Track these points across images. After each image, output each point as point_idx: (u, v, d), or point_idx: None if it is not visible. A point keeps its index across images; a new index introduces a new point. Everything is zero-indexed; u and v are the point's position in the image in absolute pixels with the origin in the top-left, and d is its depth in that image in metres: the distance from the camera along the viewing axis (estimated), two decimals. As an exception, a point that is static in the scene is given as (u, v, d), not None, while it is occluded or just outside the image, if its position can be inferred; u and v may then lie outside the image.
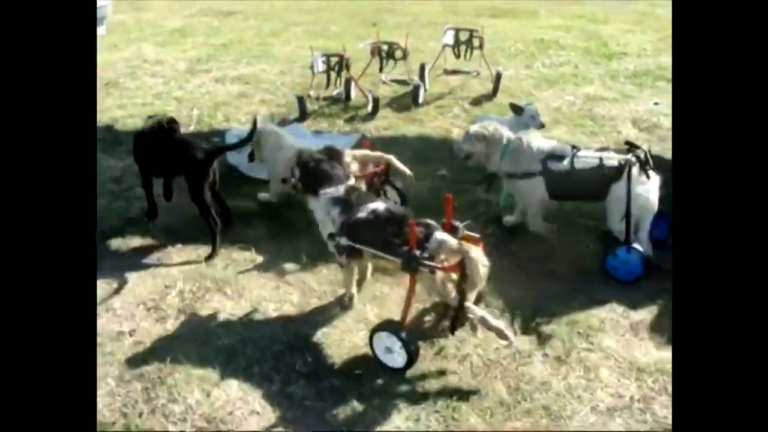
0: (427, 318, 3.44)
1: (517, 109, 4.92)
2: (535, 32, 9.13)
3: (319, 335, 3.29)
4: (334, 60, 6.23)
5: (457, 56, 6.76)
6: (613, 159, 3.72)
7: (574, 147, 3.89)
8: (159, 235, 4.21)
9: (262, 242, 4.11)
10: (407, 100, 6.47)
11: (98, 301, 3.54)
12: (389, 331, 3.00)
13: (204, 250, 4.00)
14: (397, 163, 4.12)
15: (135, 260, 3.96)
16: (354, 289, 3.52)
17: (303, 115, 6.03)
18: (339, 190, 3.32)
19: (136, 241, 4.16)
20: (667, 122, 5.90)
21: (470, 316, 3.01)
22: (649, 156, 3.70)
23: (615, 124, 5.98)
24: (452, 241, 2.97)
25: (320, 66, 6.19)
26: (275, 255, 3.97)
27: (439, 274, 2.96)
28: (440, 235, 3.00)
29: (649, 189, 3.68)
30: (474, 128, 4.11)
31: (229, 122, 6.07)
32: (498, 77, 6.56)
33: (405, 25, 9.79)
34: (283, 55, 8.20)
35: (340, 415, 2.81)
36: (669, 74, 7.20)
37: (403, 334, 2.97)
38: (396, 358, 3.01)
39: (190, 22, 10.09)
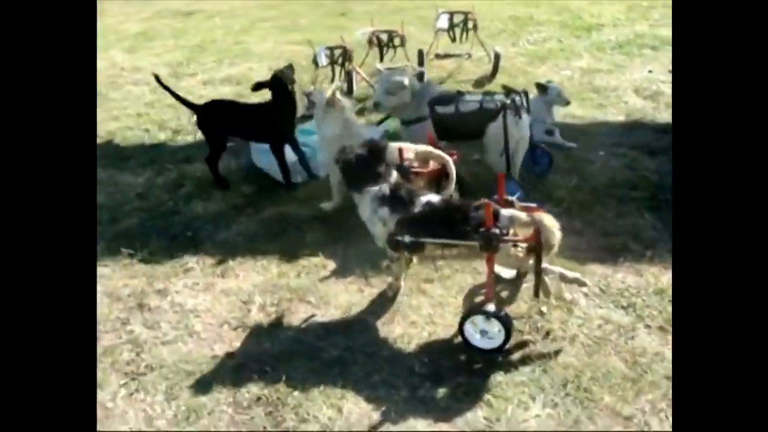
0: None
1: (542, 88, 4.96)
2: (506, 9, 9.21)
3: (424, 334, 3.25)
4: (337, 52, 6.10)
5: (453, 39, 6.74)
6: (490, 102, 4.20)
7: (459, 92, 4.40)
8: (212, 250, 4.05)
9: (326, 246, 4.01)
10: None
11: (176, 326, 3.39)
12: (485, 314, 3.01)
13: (262, 263, 3.88)
14: (451, 169, 3.83)
15: (197, 279, 3.80)
16: (402, 282, 3.53)
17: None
18: (384, 188, 3.23)
19: (189, 260, 3.98)
20: (667, 89, 6.06)
21: (549, 277, 3.19)
22: (524, 99, 4.27)
23: (619, 95, 6.10)
24: (521, 214, 3.04)
25: (324, 60, 6.06)
26: (345, 258, 3.88)
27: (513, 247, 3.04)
28: (506, 211, 3.06)
29: (521, 127, 4.22)
30: (396, 79, 4.32)
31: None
32: (497, 57, 6.58)
33: (373, 12, 9.67)
34: (264, 52, 8.00)
35: (481, 413, 2.78)
36: (652, 42, 7.42)
37: (502, 313, 3.03)
38: (492, 339, 3.05)
39: (152, 25, 9.70)
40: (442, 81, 6.61)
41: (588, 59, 7.07)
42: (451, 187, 3.70)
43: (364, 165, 3.31)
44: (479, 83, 6.54)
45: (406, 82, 4.36)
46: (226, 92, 6.72)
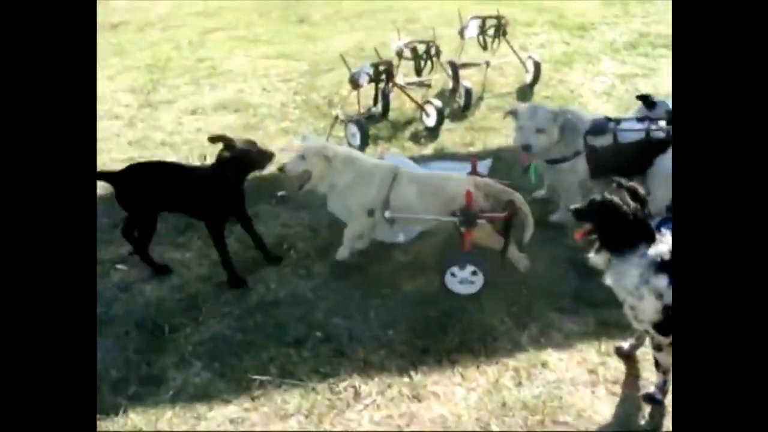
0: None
1: (649, 103, 4.34)
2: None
3: None
4: (380, 68, 5.19)
5: (484, 48, 6.02)
6: (658, 130, 3.61)
7: (609, 119, 3.75)
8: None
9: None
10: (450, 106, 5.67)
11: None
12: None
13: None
14: (526, 208, 3.36)
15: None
16: None
17: (365, 141, 4.98)
18: (661, 249, 2.49)
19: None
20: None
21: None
22: None
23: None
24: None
25: (364, 79, 5.12)
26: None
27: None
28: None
29: None
30: (543, 115, 3.61)
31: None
32: (537, 66, 5.97)
33: (333, 16, 8.78)
34: (244, 71, 6.82)
35: None
36: (660, 41, 7.16)
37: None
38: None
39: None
40: (480, 95, 5.88)
41: (611, 63, 6.65)
42: (531, 230, 3.31)
43: (631, 218, 2.53)
44: (523, 94, 5.90)
45: (561, 113, 3.62)
46: (227, 122, 5.57)
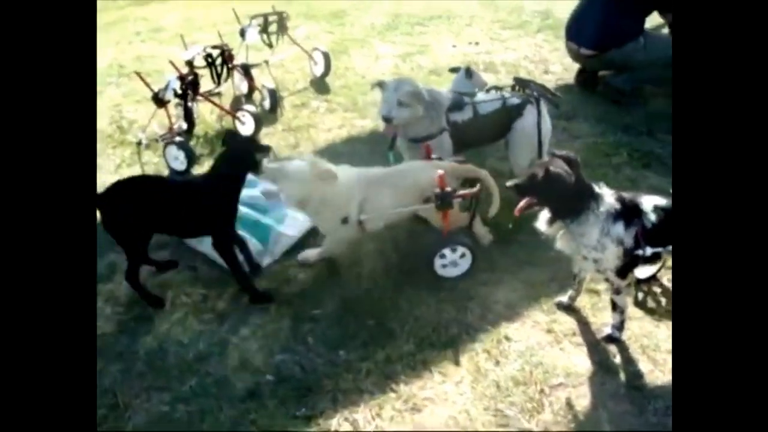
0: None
1: (468, 73, 4.50)
2: (373, 16, 8.17)
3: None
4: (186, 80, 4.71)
5: (270, 45, 5.78)
6: (513, 98, 3.86)
7: (460, 93, 3.90)
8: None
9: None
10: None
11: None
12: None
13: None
14: (492, 183, 3.48)
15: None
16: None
17: (191, 162, 4.51)
18: (610, 201, 2.75)
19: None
20: (499, 57, 6.35)
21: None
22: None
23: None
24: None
25: (170, 94, 4.61)
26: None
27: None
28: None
29: (546, 120, 3.87)
30: (407, 88, 3.63)
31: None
32: (327, 57, 5.96)
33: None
34: None
35: None
36: (414, 20, 7.61)
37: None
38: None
39: None
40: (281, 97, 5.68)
41: (383, 45, 6.91)
42: (497, 204, 3.43)
43: (575, 184, 2.72)
44: (320, 88, 5.85)
45: (423, 94, 3.67)
46: None
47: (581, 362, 2.87)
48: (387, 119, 3.66)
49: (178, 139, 4.49)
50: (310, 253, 3.52)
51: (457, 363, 2.89)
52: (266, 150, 3.26)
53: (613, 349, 2.92)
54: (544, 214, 2.85)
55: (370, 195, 3.30)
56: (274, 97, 5.35)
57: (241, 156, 3.16)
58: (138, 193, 3.08)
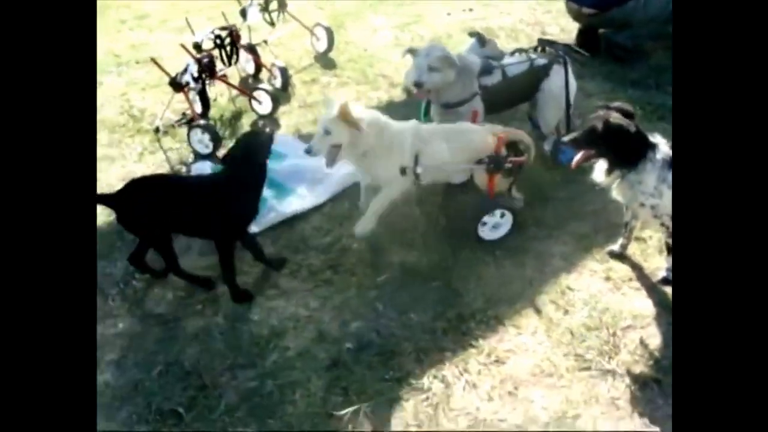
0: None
1: (481, 40, 4.61)
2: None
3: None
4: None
5: (272, 24, 5.74)
6: (540, 59, 3.99)
7: (488, 58, 4.00)
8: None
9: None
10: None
11: None
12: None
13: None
14: (530, 141, 3.65)
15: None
16: None
17: (217, 145, 4.50)
18: (665, 149, 2.90)
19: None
20: (495, 22, 6.42)
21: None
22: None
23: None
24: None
25: (189, 78, 4.59)
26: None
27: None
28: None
29: (572, 79, 3.99)
30: (437, 53, 3.71)
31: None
32: (330, 32, 5.95)
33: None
34: None
35: None
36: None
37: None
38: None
39: None
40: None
41: (377, 17, 6.89)
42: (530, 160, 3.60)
43: (637, 133, 2.85)
44: (326, 63, 5.85)
45: (454, 59, 3.74)
46: None
47: (644, 305, 3.03)
48: (418, 84, 3.73)
49: (202, 122, 4.48)
50: (364, 222, 3.48)
51: (537, 312, 3.03)
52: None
53: (669, 290, 3.07)
54: (600, 166, 2.97)
55: (426, 148, 3.37)
56: (286, 75, 5.35)
57: (257, 156, 3.15)
58: (152, 192, 3.09)
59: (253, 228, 3.53)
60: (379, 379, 2.77)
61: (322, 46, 6.03)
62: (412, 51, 3.83)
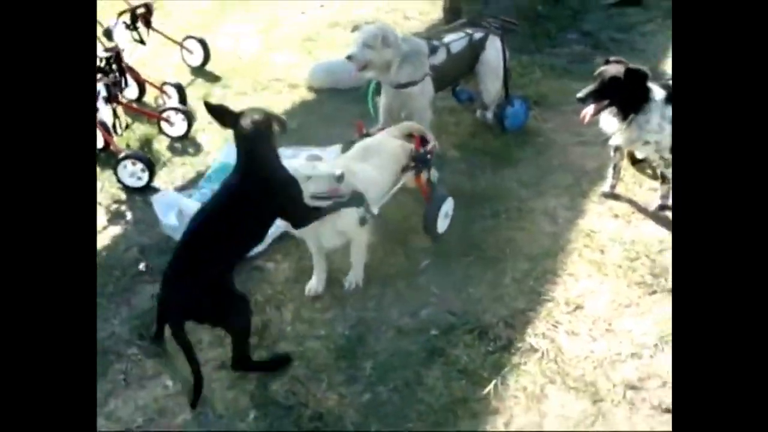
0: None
1: None
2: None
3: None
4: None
5: (142, 42, 5.25)
6: (477, 32, 4.22)
7: (428, 38, 4.14)
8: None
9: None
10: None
11: None
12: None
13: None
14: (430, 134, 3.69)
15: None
16: None
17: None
18: (658, 89, 3.27)
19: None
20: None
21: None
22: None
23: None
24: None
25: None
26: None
27: None
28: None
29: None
30: (372, 31, 3.78)
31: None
32: (204, 44, 5.63)
33: None
34: None
35: None
36: None
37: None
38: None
39: None
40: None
41: (240, 26, 6.64)
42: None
43: (641, 76, 3.23)
44: (214, 78, 5.53)
45: (391, 37, 3.82)
46: None
47: (658, 231, 3.42)
48: (349, 57, 3.80)
49: (128, 151, 4.04)
50: (355, 275, 3.21)
51: (580, 257, 3.26)
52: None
53: (668, 214, 3.51)
54: (607, 116, 3.29)
55: (355, 179, 2.97)
56: (183, 92, 4.96)
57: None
58: None
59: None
60: (484, 353, 2.79)
61: (196, 59, 5.69)
62: (356, 27, 3.91)
